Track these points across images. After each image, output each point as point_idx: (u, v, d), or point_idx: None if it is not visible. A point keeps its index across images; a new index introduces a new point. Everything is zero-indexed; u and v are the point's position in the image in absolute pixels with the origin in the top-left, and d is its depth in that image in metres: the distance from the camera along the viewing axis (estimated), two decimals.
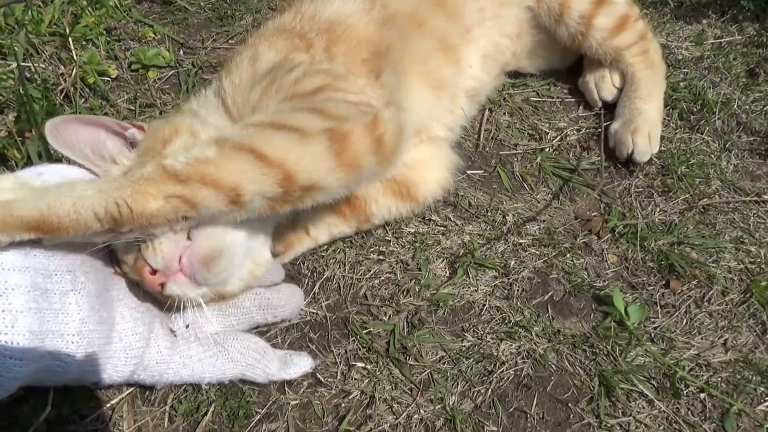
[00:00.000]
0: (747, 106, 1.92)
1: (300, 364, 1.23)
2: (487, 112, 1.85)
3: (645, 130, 1.70)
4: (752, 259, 1.51)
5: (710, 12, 2.32)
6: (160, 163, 0.97)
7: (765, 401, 1.25)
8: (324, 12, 1.43)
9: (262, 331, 1.30)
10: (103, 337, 1.00)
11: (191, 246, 1.04)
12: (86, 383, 1.06)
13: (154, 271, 1.03)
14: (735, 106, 1.91)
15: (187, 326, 1.18)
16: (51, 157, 1.39)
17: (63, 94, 1.75)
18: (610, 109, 1.87)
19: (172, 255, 1.02)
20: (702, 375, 1.29)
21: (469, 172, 1.69)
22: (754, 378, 1.28)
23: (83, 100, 1.77)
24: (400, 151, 1.13)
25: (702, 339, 1.35)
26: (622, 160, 1.72)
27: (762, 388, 1.26)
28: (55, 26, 1.91)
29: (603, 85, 1.87)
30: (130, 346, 1.06)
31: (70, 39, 1.84)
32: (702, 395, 1.25)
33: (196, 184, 0.94)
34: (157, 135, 1.17)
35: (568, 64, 2.01)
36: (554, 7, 1.77)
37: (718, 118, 1.87)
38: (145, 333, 1.09)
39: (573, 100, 1.95)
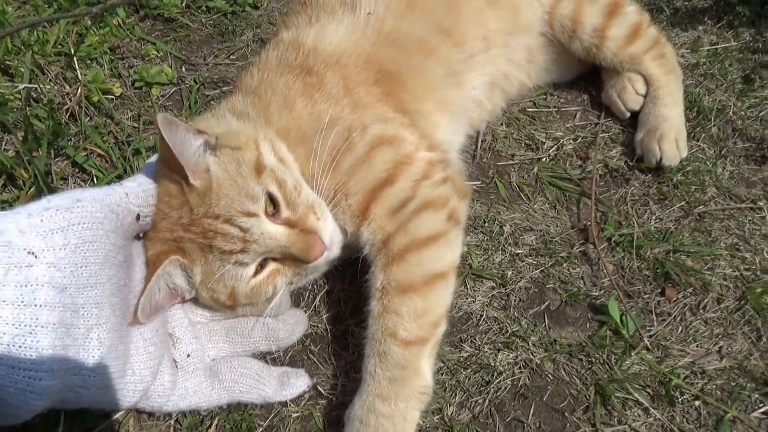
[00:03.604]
0: (742, 113, 1.93)
1: (297, 384, 1.26)
2: (485, 124, 1.88)
3: (672, 136, 1.72)
4: (747, 266, 1.52)
5: (706, 18, 2.34)
6: (395, 337, 1.17)
7: (759, 408, 1.26)
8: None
9: None
10: (117, 371, 1.02)
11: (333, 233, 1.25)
12: (92, 409, 1.09)
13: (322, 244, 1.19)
14: (730, 113, 1.92)
15: (189, 355, 1.21)
16: (53, 178, 1.42)
17: (68, 113, 1.79)
18: (597, 109, 1.90)
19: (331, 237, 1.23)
20: (697, 382, 1.31)
21: (466, 183, 1.71)
22: (748, 385, 1.30)
23: (88, 118, 1.81)
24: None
25: (697, 346, 1.37)
26: (651, 168, 1.74)
27: (756, 395, 1.28)
28: (60, 46, 1.96)
29: (627, 96, 1.88)
30: (141, 379, 1.08)
31: (75, 58, 1.89)
32: (697, 403, 1.27)
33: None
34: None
35: (574, 76, 2.04)
36: (567, 24, 1.80)
37: (714, 125, 1.89)
38: (155, 367, 1.12)
39: (569, 109, 1.97)
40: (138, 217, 1.10)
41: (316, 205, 1.22)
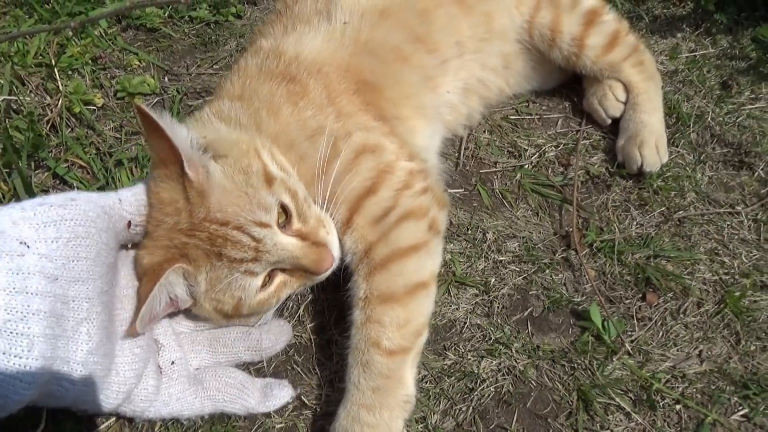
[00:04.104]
0: (720, 118, 1.96)
1: (280, 396, 1.25)
2: (467, 131, 1.89)
3: (652, 142, 1.75)
4: (726, 270, 1.55)
5: (684, 26, 2.37)
6: (378, 347, 1.18)
7: (739, 411, 1.28)
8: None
9: None
10: (104, 369, 1.03)
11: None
12: (75, 410, 1.08)
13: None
14: (709, 119, 1.95)
15: (173, 362, 1.20)
16: (33, 190, 1.41)
17: (49, 125, 1.78)
18: (578, 116, 1.92)
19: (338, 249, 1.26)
20: (678, 386, 1.32)
21: (450, 191, 1.73)
22: (728, 388, 1.32)
23: (69, 129, 1.80)
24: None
25: (678, 351, 1.39)
26: (632, 174, 1.76)
27: (736, 398, 1.30)
28: (41, 57, 1.95)
29: (607, 103, 1.90)
30: (125, 381, 1.08)
31: (55, 69, 1.88)
32: (678, 407, 1.29)
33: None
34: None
35: (556, 84, 2.06)
36: (546, 33, 1.83)
37: (693, 131, 1.92)
38: (140, 370, 1.11)
39: (551, 116, 1.99)
40: (129, 224, 1.10)
41: (324, 219, 1.24)
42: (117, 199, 1.08)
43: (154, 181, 1.12)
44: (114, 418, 1.24)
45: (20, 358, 0.86)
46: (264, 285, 1.16)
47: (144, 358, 1.12)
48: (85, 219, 0.98)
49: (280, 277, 1.19)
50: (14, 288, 0.86)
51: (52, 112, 1.79)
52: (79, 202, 0.99)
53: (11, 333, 0.85)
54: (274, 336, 1.31)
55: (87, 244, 0.97)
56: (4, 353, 0.84)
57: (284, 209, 1.16)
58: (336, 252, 1.23)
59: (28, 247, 0.90)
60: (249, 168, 1.15)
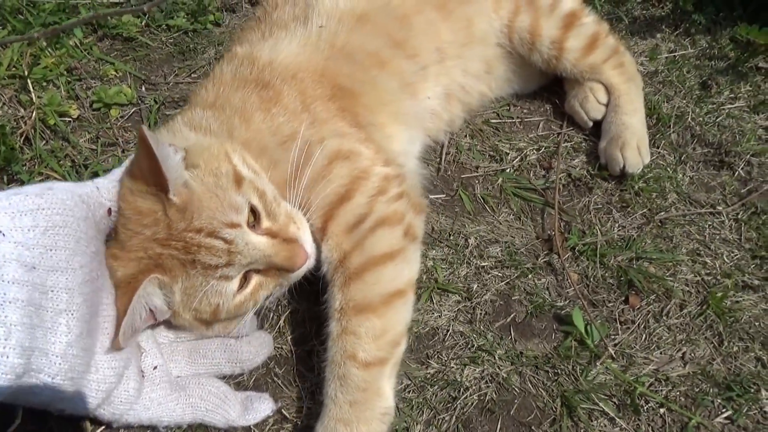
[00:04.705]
0: (701, 119, 1.97)
1: (260, 409, 1.23)
2: (448, 136, 1.88)
3: (633, 144, 1.75)
4: (708, 271, 1.54)
5: (664, 26, 2.38)
6: (354, 359, 1.16)
7: (722, 413, 1.28)
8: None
9: None
10: (83, 364, 1.00)
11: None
12: (52, 409, 1.05)
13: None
14: (689, 119, 1.96)
15: (155, 367, 1.18)
16: None
17: (23, 137, 1.75)
18: (559, 118, 1.92)
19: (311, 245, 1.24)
20: (661, 390, 1.31)
21: (431, 196, 1.71)
22: (711, 390, 1.31)
23: (44, 142, 1.77)
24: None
25: (661, 353, 1.38)
26: (615, 175, 1.76)
27: (719, 400, 1.29)
28: (14, 68, 1.91)
29: (589, 105, 1.89)
30: (104, 379, 1.05)
31: (29, 81, 1.85)
32: (662, 410, 1.28)
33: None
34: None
35: (537, 87, 2.05)
36: (525, 37, 1.83)
37: (673, 132, 1.92)
38: (120, 369, 1.09)
39: (532, 119, 1.99)
40: (110, 211, 1.09)
41: (294, 215, 1.23)
42: (94, 187, 1.08)
43: (130, 190, 1.11)
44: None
45: None
46: (240, 287, 1.15)
47: (124, 358, 1.10)
48: (63, 208, 0.97)
49: (255, 279, 1.18)
50: None
51: (25, 124, 1.75)
52: (56, 192, 0.97)
53: None
54: (255, 348, 1.29)
55: (65, 233, 0.96)
56: None
57: (252, 210, 1.15)
58: (309, 248, 1.21)
59: (3, 235, 0.88)
60: (219, 170, 1.14)
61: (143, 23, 2.23)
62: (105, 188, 1.10)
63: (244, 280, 1.16)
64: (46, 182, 1.00)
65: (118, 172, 1.15)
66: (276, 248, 1.15)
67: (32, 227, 0.91)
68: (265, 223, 1.17)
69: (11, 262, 0.87)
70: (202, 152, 1.17)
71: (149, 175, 1.06)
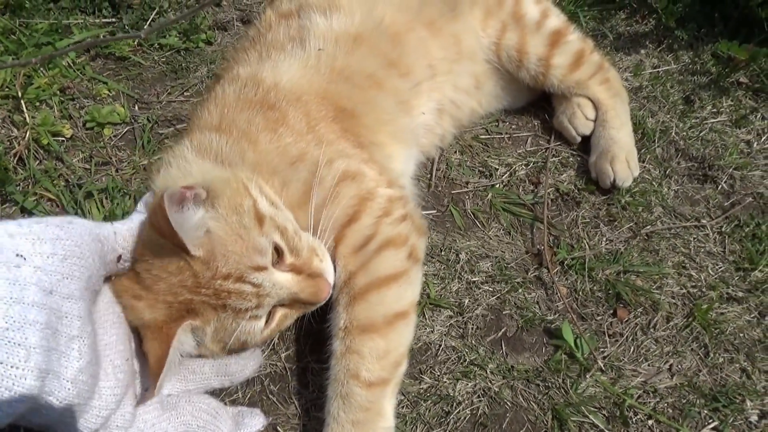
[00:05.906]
0: (684, 133, 2.02)
1: (252, 424, 1.24)
2: (439, 152, 1.92)
3: (622, 157, 1.79)
4: (694, 284, 1.58)
5: (647, 42, 2.44)
6: (357, 378, 1.17)
7: (709, 424, 1.30)
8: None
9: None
10: (89, 390, 1.01)
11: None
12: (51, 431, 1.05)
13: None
14: (673, 134, 2.00)
15: (147, 389, 1.19)
16: None
17: (17, 158, 1.76)
18: (547, 134, 1.96)
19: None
20: (649, 402, 1.34)
21: (423, 212, 1.74)
22: (698, 401, 1.34)
23: (37, 162, 1.78)
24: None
25: (649, 365, 1.41)
26: (606, 189, 1.80)
27: (706, 411, 1.32)
28: (7, 89, 1.93)
29: (577, 121, 1.94)
30: (106, 405, 1.06)
31: (22, 101, 1.86)
32: (650, 422, 1.31)
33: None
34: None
35: (525, 102, 2.09)
36: (513, 55, 1.87)
37: (658, 146, 1.96)
38: (120, 396, 1.09)
39: (521, 135, 2.03)
40: (119, 258, 1.11)
41: (316, 246, 1.24)
42: (112, 231, 1.11)
43: (151, 240, 1.10)
44: None
45: (17, 368, 0.85)
46: (267, 322, 1.17)
47: (126, 384, 1.11)
48: (81, 242, 1.00)
49: (280, 312, 1.20)
50: (12, 297, 0.86)
51: (19, 144, 1.76)
52: (76, 226, 1.01)
53: (9, 342, 0.84)
54: (243, 360, 1.30)
55: (81, 264, 0.98)
56: (1, 363, 0.84)
57: (276, 248, 1.16)
58: (331, 278, 1.24)
59: (24, 259, 0.90)
60: (240, 207, 1.14)
61: (136, 43, 2.25)
62: (121, 235, 1.12)
63: (269, 314, 1.18)
64: (67, 216, 1.03)
65: (136, 220, 1.15)
66: (301, 285, 1.17)
67: (51, 254, 0.94)
68: (289, 259, 1.18)
69: (31, 285, 0.89)
70: (224, 189, 1.15)
71: (170, 237, 1.05)
